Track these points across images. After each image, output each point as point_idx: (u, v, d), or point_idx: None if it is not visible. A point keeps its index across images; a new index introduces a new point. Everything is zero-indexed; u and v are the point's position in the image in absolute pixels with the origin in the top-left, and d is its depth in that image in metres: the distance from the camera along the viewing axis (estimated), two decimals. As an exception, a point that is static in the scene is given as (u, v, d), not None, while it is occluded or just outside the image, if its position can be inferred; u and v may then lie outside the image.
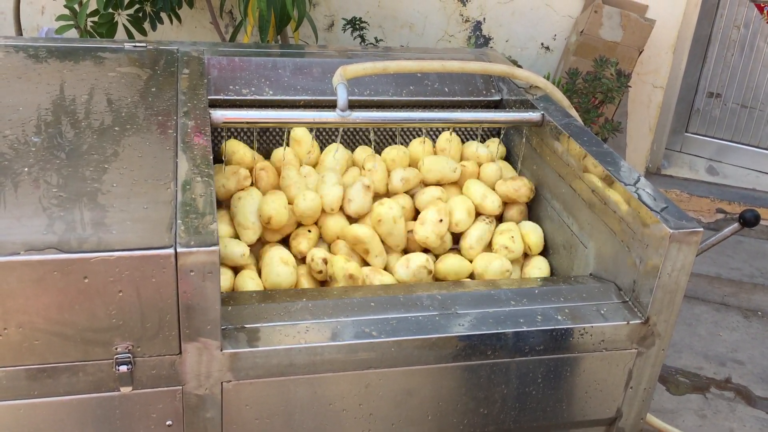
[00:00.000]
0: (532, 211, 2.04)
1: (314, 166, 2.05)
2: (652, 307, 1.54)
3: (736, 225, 1.97)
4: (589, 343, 1.55)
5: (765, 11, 3.51)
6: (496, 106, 2.24)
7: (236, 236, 1.80)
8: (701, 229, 1.49)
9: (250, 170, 1.88)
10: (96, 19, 3.14)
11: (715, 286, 3.49)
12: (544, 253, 1.97)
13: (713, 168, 4.00)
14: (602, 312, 1.57)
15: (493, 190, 2.01)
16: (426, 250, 1.90)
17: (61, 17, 3.16)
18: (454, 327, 1.48)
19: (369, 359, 1.44)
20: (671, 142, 4.02)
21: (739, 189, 3.93)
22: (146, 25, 3.26)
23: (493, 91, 2.25)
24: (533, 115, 1.98)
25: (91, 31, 3.16)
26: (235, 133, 2.09)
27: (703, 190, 3.88)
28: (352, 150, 2.12)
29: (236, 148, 1.93)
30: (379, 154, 2.06)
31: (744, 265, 3.57)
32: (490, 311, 1.54)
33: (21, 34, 3.60)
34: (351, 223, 1.87)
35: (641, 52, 3.41)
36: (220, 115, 1.78)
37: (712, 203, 3.81)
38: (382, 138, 2.21)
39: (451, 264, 1.83)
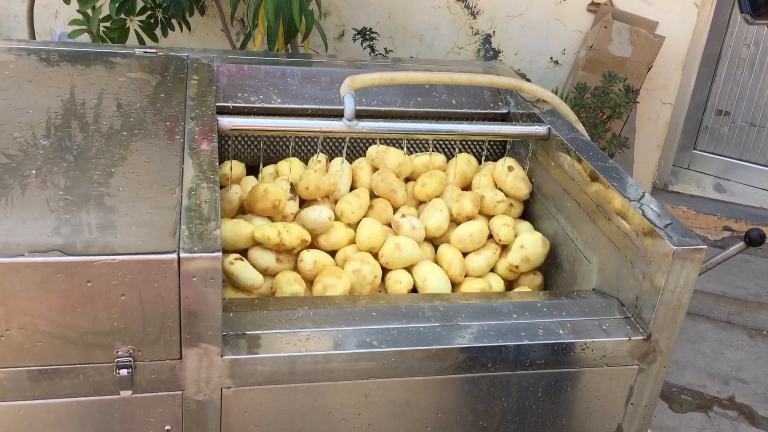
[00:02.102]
0: (537, 224, 2.04)
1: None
2: (655, 324, 1.54)
3: (741, 244, 1.96)
4: (590, 359, 1.55)
5: None
6: (503, 119, 2.24)
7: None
8: (705, 246, 1.49)
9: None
10: (108, 24, 3.16)
11: (721, 304, 3.47)
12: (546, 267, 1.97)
13: (721, 185, 3.99)
14: (604, 327, 1.57)
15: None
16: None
17: (73, 21, 3.19)
18: (455, 339, 1.48)
19: (369, 369, 1.44)
20: (679, 159, 4.02)
21: (747, 207, 3.93)
22: (158, 32, 3.29)
23: (500, 104, 2.25)
24: (539, 129, 1.98)
25: (103, 36, 3.18)
26: (242, 141, 2.10)
27: (710, 208, 3.87)
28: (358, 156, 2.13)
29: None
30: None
31: (750, 283, 3.55)
32: (492, 324, 1.54)
33: (34, 38, 3.63)
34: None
35: (650, 68, 3.41)
36: (228, 122, 1.78)
37: (718, 221, 3.80)
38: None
39: None
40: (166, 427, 1.40)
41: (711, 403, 2.92)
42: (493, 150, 2.27)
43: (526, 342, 1.50)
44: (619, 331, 1.56)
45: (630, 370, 1.58)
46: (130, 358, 1.31)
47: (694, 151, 4.01)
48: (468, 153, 2.21)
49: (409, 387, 1.49)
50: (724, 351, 3.25)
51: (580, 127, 2.06)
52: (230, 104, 2.05)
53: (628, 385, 1.60)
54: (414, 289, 1.81)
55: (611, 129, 3.27)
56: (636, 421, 1.65)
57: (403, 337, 1.46)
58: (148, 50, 2.13)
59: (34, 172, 1.44)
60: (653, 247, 1.51)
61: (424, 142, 2.21)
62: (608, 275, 1.69)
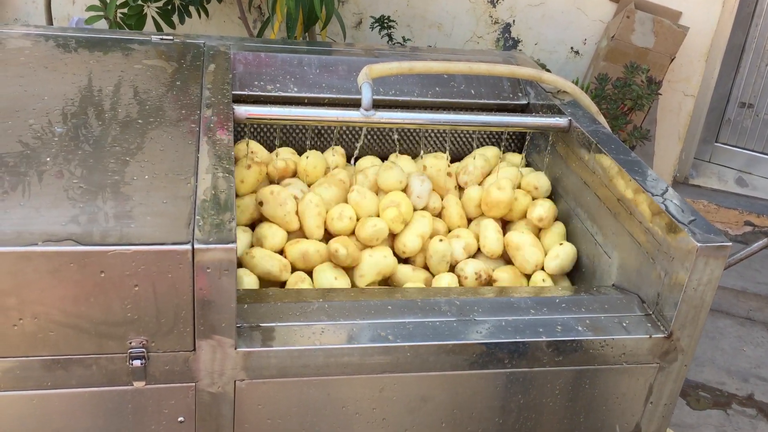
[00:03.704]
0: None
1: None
2: (676, 322, 1.50)
3: (765, 240, 1.92)
4: (609, 356, 1.52)
5: None
6: (523, 110, 2.21)
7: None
8: (729, 244, 1.45)
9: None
10: (125, 10, 3.15)
11: (741, 300, 3.42)
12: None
13: (743, 179, 3.92)
14: (624, 324, 1.54)
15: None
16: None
17: (91, 8, 3.18)
18: (471, 334, 1.46)
19: (384, 363, 1.42)
20: (700, 152, 3.95)
21: (769, 202, 3.86)
22: (175, 18, 3.27)
23: (520, 94, 2.22)
24: (560, 121, 1.95)
25: (121, 22, 3.17)
26: (258, 130, 2.08)
27: (731, 202, 3.81)
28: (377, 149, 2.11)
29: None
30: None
31: (771, 279, 3.49)
32: (509, 319, 1.51)
33: (52, 24, 3.63)
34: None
35: (673, 60, 3.35)
36: (244, 110, 1.77)
37: (740, 215, 3.74)
38: (406, 139, 2.18)
39: None
40: (179, 419, 1.39)
41: (730, 400, 2.88)
42: (512, 141, 2.24)
43: (543, 338, 1.48)
44: (639, 329, 1.53)
45: (650, 368, 1.55)
46: (143, 349, 1.30)
47: (716, 144, 3.94)
48: (485, 146, 2.18)
49: (425, 382, 1.47)
50: (743, 348, 3.21)
51: (601, 119, 2.02)
52: (247, 92, 2.03)
53: (647, 383, 1.57)
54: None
55: (632, 121, 3.22)
56: (655, 420, 1.62)
57: (418, 332, 1.44)
58: (164, 37, 2.11)
59: (48, 160, 1.43)
60: (676, 244, 1.48)
61: (441, 132, 2.18)
62: (629, 271, 1.66)
